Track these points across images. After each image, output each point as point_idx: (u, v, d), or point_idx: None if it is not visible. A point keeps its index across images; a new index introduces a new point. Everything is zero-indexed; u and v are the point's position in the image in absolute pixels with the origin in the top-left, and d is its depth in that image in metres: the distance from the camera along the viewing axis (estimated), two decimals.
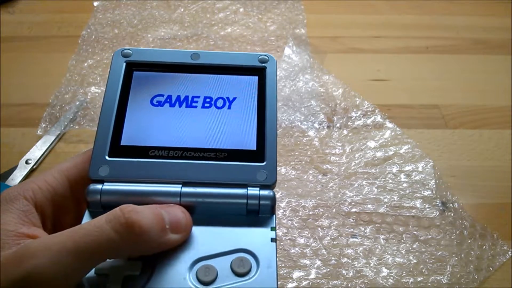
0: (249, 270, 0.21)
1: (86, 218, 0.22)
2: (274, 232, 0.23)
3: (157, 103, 0.25)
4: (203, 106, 0.26)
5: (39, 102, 0.47)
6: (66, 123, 0.45)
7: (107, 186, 0.23)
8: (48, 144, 0.43)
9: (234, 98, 0.26)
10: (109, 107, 0.25)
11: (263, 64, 0.27)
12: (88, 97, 0.48)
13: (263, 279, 0.21)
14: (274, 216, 0.24)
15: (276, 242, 0.23)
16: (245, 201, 0.23)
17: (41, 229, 0.22)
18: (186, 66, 0.27)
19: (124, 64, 0.26)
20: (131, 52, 0.27)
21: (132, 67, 0.26)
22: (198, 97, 0.26)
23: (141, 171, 0.23)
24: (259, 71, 0.27)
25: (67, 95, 0.48)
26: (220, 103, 0.26)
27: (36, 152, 0.43)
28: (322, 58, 0.53)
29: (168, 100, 0.26)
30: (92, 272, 0.20)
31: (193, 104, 0.26)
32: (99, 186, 0.23)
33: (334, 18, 0.59)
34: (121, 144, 0.24)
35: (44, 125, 0.45)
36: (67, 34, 0.55)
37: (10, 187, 0.23)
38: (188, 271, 0.21)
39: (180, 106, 0.25)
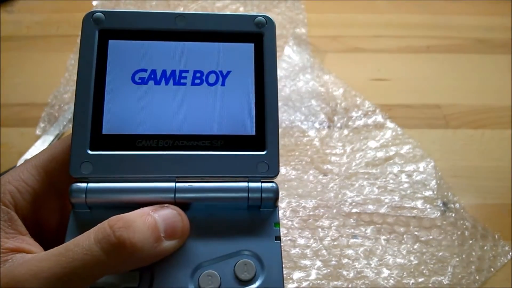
0: (254, 276, 0.20)
1: (72, 221, 0.21)
2: (278, 228, 0.21)
3: (139, 80, 0.22)
4: (193, 83, 0.22)
5: (38, 102, 0.47)
6: (65, 123, 0.45)
7: (92, 185, 0.21)
8: (47, 144, 0.43)
9: (228, 72, 0.23)
10: (84, 88, 0.22)
11: (260, 29, 0.23)
12: None
13: (268, 285, 0.20)
14: (277, 209, 0.22)
15: (280, 240, 0.21)
16: (246, 195, 0.21)
17: (27, 236, 0.20)
18: (170, 32, 0.23)
19: (97, 32, 0.22)
20: (103, 16, 0.23)
21: (107, 35, 0.22)
22: (187, 71, 0.22)
23: (129, 167, 0.21)
24: (255, 37, 0.23)
25: (66, 95, 0.48)
26: (212, 78, 0.23)
27: (34, 152, 0.42)
28: (322, 57, 0.53)
29: (152, 76, 0.22)
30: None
31: (182, 81, 0.22)
32: (83, 186, 0.20)
33: (335, 18, 0.59)
34: (103, 133, 0.21)
35: (43, 125, 0.45)
36: (66, 33, 0.55)
37: None
38: (190, 280, 0.20)
39: (166, 83, 0.22)
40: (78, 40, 0.54)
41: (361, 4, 0.60)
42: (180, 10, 0.59)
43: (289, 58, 0.53)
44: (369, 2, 0.61)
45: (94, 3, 0.59)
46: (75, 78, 0.55)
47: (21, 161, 0.42)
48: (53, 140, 0.44)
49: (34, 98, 0.48)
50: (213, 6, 0.60)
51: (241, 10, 0.59)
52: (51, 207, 0.22)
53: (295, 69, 0.51)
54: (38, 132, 0.44)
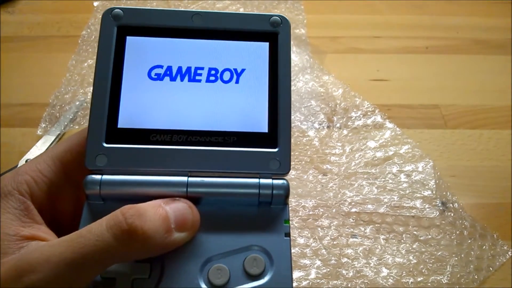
0: (263, 271, 0.20)
1: (85, 212, 0.21)
2: (287, 225, 0.22)
3: (155, 76, 0.23)
4: (207, 80, 0.23)
5: (39, 102, 0.47)
6: (66, 123, 0.45)
7: (107, 177, 0.21)
8: (48, 144, 0.43)
9: (243, 70, 0.23)
10: (102, 82, 0.22)
11: (275, 29, 0.24)
12: (88, 97, 0.48)
13: (277, 281, 0.20)
14: (287, 206, 0.22)
15: (290, 236, 0.21)
16: (257, 191, 0.21)
17: (43, 225, 0.21)
18: (186, 30, 0.23)
19: (115, 28, 0.23)
20: (122, 13, 0.23)
21: (125, 31, 0.23)
22: (202, 68, 0.23)
23: (143, 160, 0.21)
24: (270, 37, 0.23)
25: (67, 95, 0.48)
26: (227, 76, 0.23)
27: (36, 152, 0.43)
28: (322, 58, 0.53)
29: (168, 72, 0.23)
30: (98, 276, 0.20)
31: (197, 78, 0.23)
32: (97, 178, 0.21)
33: (334, 18, 0.59)
34: (119, 126, 0.22)
35: (44, 125, 0.45)
36: (67, 34, 0.55)
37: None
38: (199, 273, 0.20)
39: (182, 79, 0.23)
40: (79, 41, 0.55)
41: (360, 5, 0.61)
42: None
43: None
44: (368, 3, 0.61)
45: (95, 3, 0.59)
46: (76, 78, 0.55)
47: (22, 161, 0.42)
48: (54, 140, 0.44)
49: (35, 99, 0.48)
50: (213, 7, 0.60)
51: (241, 11, 0.59)
52: (66, 198, 0.23)
53: (294, 70, 0.52)
54: (39, 132, 0.45)
